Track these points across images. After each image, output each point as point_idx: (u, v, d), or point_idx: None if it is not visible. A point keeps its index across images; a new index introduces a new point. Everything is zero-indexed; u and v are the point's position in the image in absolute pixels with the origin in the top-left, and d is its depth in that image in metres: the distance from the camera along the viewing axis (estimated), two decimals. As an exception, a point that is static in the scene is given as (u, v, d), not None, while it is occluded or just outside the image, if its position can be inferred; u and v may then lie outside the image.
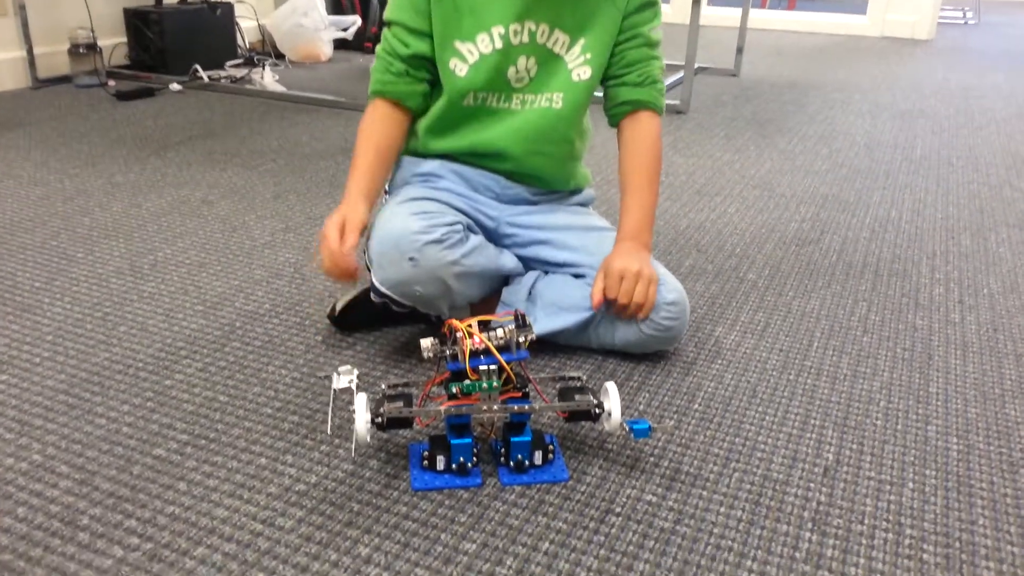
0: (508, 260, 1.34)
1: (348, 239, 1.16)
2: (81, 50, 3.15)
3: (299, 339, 1.37)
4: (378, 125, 1.30)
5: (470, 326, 1.00)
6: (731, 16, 4.73)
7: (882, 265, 1.72)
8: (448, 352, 1.00)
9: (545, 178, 1.37)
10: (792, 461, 1.08)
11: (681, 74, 3.08)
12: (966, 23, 6.11)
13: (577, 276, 1.32)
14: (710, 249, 1.78)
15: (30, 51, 3.15)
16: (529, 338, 1.00)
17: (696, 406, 1.20)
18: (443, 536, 0.94)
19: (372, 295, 1.25)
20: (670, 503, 1.00)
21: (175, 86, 3.19)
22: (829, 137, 2.72)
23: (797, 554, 0.93)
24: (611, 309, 1.27)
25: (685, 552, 0.92)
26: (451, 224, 1.22)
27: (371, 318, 1.38)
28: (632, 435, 1.01)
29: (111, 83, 3.22)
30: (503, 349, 0.99)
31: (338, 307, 1.38)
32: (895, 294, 1.58)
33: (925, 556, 0.93)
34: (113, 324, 1.40)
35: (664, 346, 1.31)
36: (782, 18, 5.68)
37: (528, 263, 1.36)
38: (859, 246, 1.81)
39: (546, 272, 1.35)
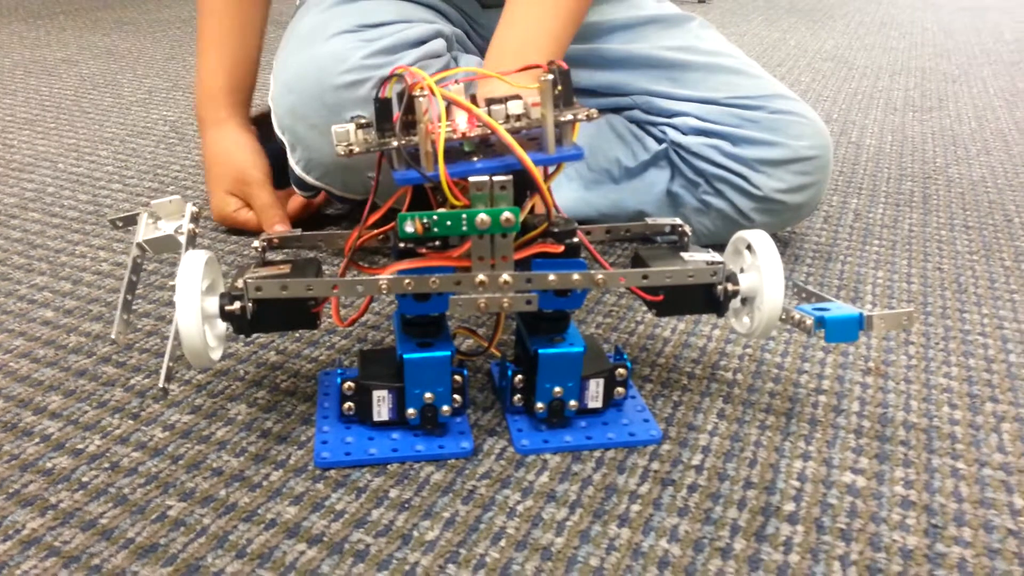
0: None
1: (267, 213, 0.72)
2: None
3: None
4: None
5: (448, 86, 0.43)
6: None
7: (1049, 134, 1.17)
8: (396, 143, 0.43)
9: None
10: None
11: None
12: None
13: (618, 110, 0.75)
14: (794, 114, 1.22)
15: None
16: (585, 117, 0.44)
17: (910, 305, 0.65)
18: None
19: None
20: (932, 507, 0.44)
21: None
22: (892, 23, 2.17)
23: None
24: None
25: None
26: (424, 39, 0.66)
27: (276, 171, 0.81)
28: (823, 332, 0.45)
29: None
30: (525, 140, 0.43)
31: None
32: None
33: None
34: None
35: (783, 225, 0.74)
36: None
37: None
38: (998, 114, 1.27)
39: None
